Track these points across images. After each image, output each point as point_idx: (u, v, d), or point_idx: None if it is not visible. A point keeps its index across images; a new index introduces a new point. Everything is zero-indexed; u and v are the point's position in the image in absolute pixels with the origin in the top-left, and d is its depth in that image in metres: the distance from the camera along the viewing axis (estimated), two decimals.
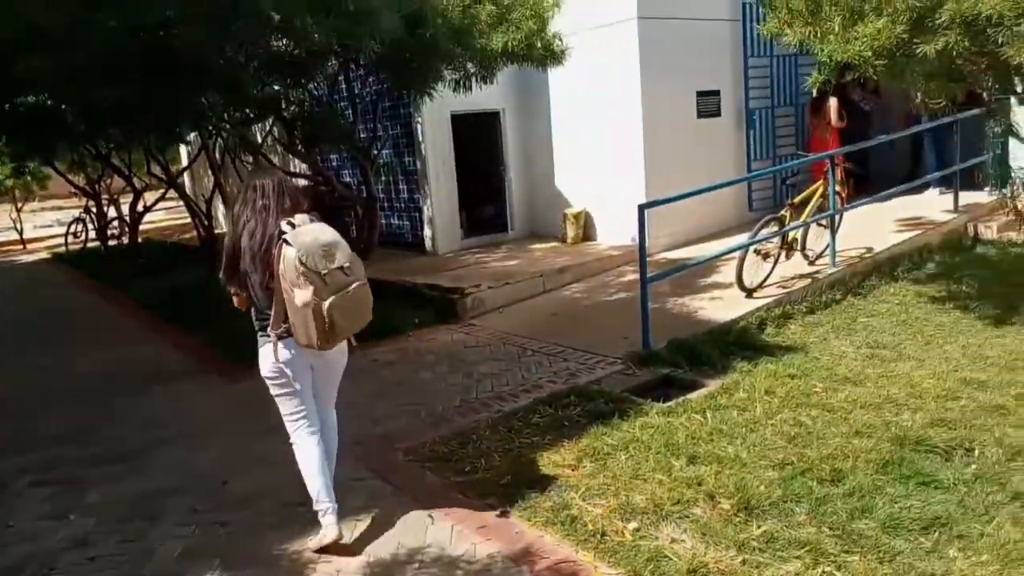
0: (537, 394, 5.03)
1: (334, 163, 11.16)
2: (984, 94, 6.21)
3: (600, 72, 8.72)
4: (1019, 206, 6.02)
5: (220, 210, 12.91)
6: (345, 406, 3.75)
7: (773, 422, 4.26)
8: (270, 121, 9.47)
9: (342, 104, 9.06)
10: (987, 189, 8.62)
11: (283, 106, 7.01)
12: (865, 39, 4.85)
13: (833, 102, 9.16)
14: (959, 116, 8.18)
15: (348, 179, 10.83)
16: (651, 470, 3.81)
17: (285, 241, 3.12)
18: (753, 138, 9.47)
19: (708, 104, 9.09)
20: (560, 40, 6.75)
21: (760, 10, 6.45)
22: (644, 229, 5.85)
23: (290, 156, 9.86)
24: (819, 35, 5.21)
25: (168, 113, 6.39)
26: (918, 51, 4.77)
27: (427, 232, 9.81)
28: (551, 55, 6.70)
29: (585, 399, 4.81)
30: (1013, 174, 6.12)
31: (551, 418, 4.59)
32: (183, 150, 16.68)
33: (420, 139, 9.52)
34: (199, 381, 6.13)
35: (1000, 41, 4.53)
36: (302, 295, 3.10)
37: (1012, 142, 6.08)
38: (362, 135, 8.33)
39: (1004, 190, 6.16)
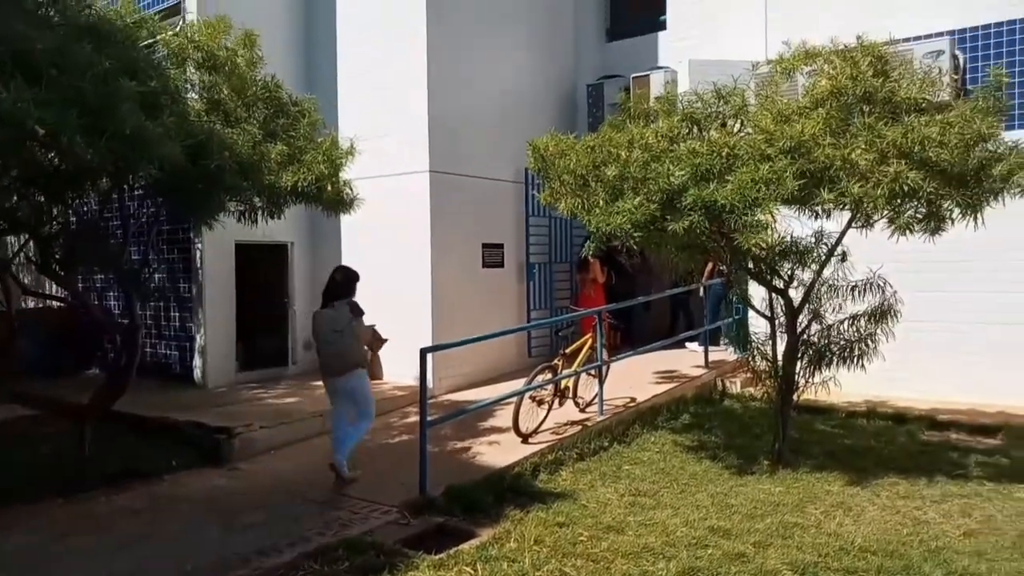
0: (303, 548, 4.71)
1: (99, 285, 10.27)
2: (723, 267, 7.13)
3: (392, 217, 8.98)
4: (756, 366, 6.81)
5: None
6: (75, 559, 3.21)
7: (540, 573, 4.29)
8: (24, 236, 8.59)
9: (114, 223, 8.47)
10: (730, 350, 9.75)
11: (42, 221, 6.40)
12: (625, 213, 5.45)
13: (595, 262, 10.07)
14: (707, 283, 9.36)
15: (112, 303, 9.98)
16: None
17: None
18: (533, 289, 10.11)
19: (493, 255, 9.63)
20: (351, 188, 6.88)
21: (537, 178, 7.08)
22: (426, 373, 5.90)
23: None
24: (586, 207, 5.78)
25: None
26: (669, 227, 5.43)
27: (197, 363, 9.18)
28: (340, 202, 6.78)
29: (355, 552, 4.58)
30: (751, 337, 6.95)
31: (316, 575, 4.30)
32: None
33: (198, 265, 9.09)
34: None
35: (733, 226, 5.29)
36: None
37: (750, 309, 6.97)
38: (134, 257, 7.80)
39: (744, 351, 6.96)
